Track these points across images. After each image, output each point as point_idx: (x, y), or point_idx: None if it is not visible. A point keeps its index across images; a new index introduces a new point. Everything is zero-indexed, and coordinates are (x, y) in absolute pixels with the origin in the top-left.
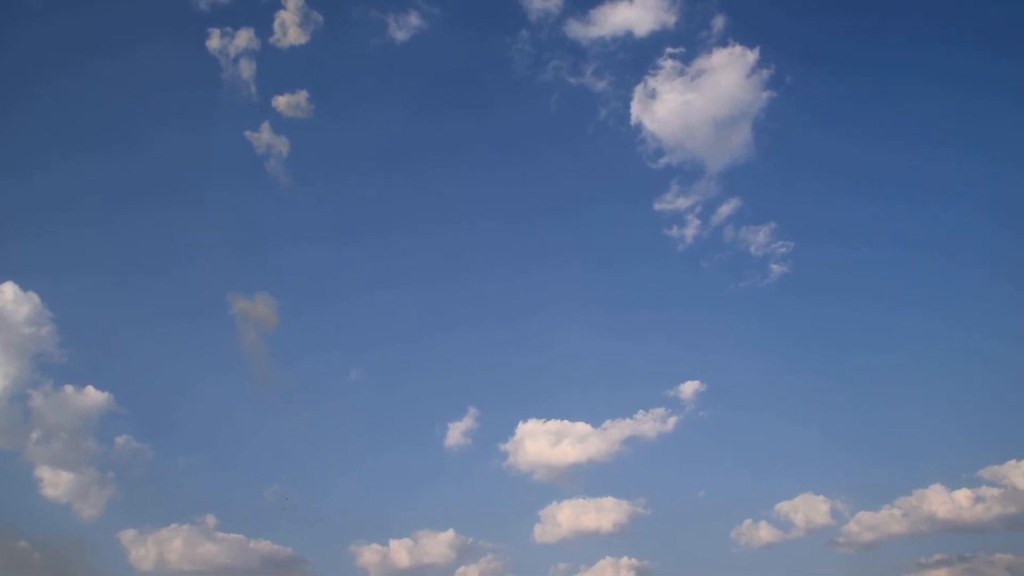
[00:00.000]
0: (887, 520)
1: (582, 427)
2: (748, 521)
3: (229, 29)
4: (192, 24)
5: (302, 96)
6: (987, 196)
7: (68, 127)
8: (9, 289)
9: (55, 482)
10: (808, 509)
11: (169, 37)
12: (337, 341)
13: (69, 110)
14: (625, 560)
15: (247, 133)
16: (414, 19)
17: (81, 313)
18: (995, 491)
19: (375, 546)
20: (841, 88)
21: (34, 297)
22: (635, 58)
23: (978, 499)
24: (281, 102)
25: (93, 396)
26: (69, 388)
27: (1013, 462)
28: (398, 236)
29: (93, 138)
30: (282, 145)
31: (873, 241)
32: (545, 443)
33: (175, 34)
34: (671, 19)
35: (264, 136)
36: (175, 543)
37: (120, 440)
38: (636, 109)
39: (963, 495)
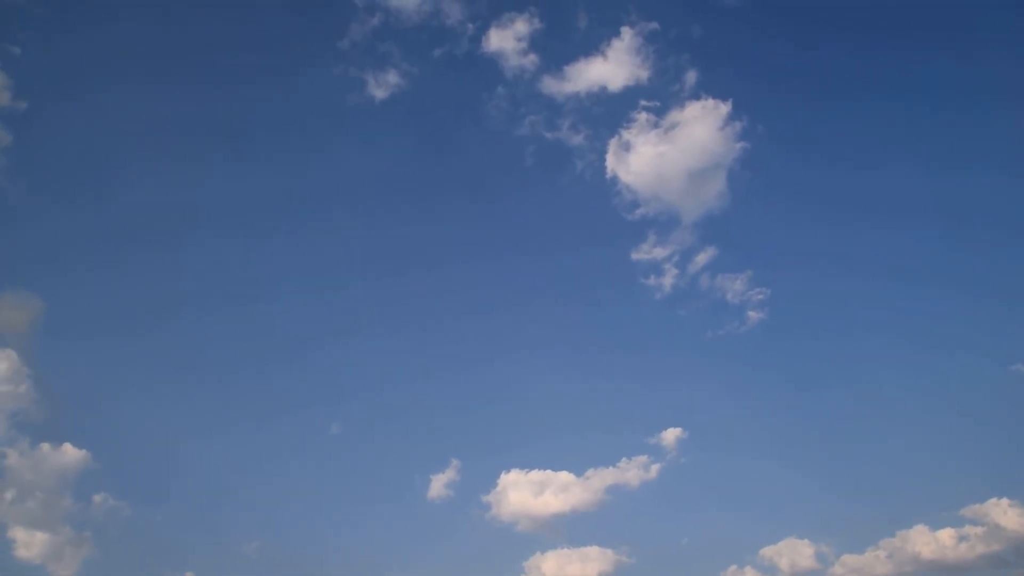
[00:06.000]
0: (872, 562)
1: (565, 476)
2: (733, 567)
3: None
4: None
5: None
6: (961, 219)
7: None
8: None
9: (29, 543)
10: (793, 553)
11: None
12: (317, 395)
13: None
14: None
15: None
16: (392, 77)
17: (59, 370)
18: (978, 530)
19: None
20: (815, 132)
21: (12, 355)
22: (609, 112)
23: (962, 538)
24: None
25: (71, 453)
26: (46, 446)
27: (994, 500)
28: (372, 282)
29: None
30: None
31: (849, 273)
32: (528, 493)
33: None
34: (644, 74)
35: None
36: None
37: (97, 498)
38: (611, 162)
39: (946, 534)
